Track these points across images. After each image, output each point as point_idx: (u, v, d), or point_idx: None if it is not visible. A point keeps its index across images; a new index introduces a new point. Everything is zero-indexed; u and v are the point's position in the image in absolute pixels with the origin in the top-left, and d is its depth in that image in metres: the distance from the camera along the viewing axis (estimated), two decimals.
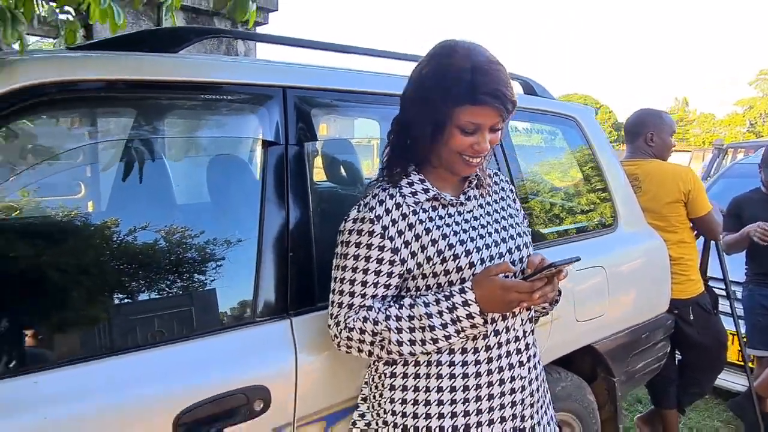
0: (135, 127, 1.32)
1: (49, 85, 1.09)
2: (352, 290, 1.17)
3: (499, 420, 1.20)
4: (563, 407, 1.92)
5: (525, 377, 1.23)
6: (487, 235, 1.23)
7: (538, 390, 1.28)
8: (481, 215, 1.27)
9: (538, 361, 1.31)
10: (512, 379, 1.21)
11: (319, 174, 1.72)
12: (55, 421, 0.99)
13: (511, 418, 1.21)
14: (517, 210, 1.37)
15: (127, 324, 1.18)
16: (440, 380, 1.17)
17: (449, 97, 1.12)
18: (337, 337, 1.19)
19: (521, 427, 1.23)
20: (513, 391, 1.21)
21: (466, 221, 1.23)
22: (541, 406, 1.30)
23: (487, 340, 1.19)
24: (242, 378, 1.17)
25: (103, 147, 1.35)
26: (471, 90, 1.10)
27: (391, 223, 1.17)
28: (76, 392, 1.03)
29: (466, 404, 1.17)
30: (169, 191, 1.55)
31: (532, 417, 1.26)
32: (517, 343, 1.23)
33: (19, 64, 1.11)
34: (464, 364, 1.18)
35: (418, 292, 1.19)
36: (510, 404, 1.21)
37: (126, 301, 1.21)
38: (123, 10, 1.82)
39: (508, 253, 1.23)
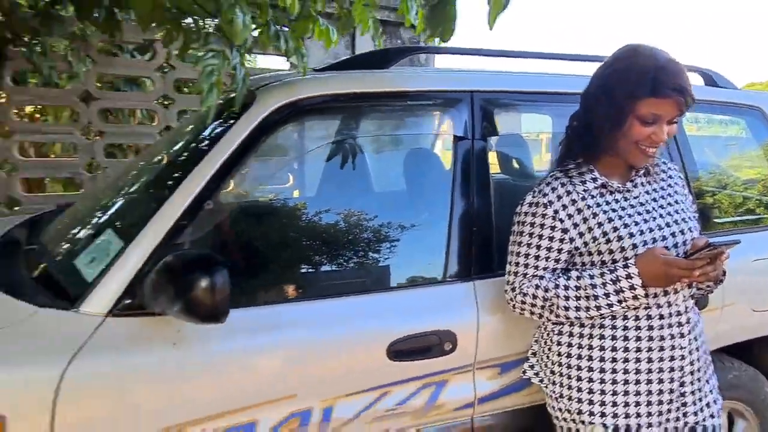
0: (357, 129, 1.71)
1: (299, 101, 1.48)
2: (526, 262, 1.40)
3: (657, 381, 1.34)
4: (735, 396, 1.92)
5: (685, 347, 1.35)
6: (651, 219, 1.37)
7: (698, 360, 1.38)
8: (647, 201, 1.40)
9: (700, 334, 1.41)
10: (672, 347, 1.34)
11: (495, 164, 1.98)
12: (300, 339, 1.39)
13: (669, 380, 1.34)
14: (685, 196, 1.48)
15: (355, 276, 1.59)
16: (602, 340, 1.35)
17: (633, 90, 1.27)
18: (513, 301, 1.43)
19: (681, 391, 1.36)
20: (672, 358, 1.34)
21: (632, 206, 1.38)
22: (702, 376, 1.40)
23: (648, 311, 1.34)
24: (436, 323, 1.48)
25: (349, 144, 1.76)
26: (654, 84, 1.25)
27: (561, 208, 1.37)
28: (321, 321, 1.42)
29: (626, 363, 1.34)
30: (401, 178, 1.95)
31: (692, 383, 1.37)
32: (679, 317, 1.36)
33: (280, 87, 1.52)
34: (625, 328, 1.34)
35: (584, 267, 1.39)
36: (668, 369, 1.34)
37: (354, 261, 1.62)
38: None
39: (671, 236, 1.35)
